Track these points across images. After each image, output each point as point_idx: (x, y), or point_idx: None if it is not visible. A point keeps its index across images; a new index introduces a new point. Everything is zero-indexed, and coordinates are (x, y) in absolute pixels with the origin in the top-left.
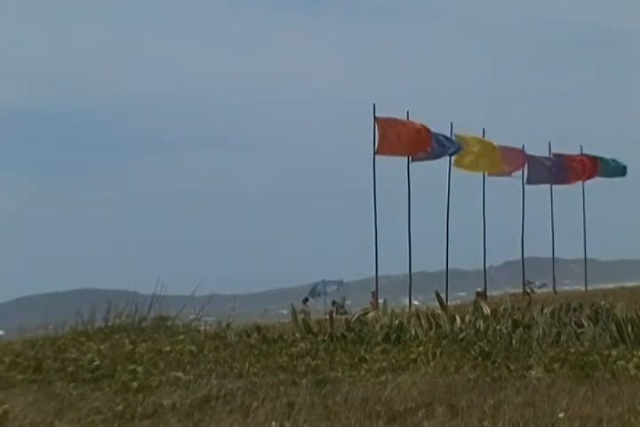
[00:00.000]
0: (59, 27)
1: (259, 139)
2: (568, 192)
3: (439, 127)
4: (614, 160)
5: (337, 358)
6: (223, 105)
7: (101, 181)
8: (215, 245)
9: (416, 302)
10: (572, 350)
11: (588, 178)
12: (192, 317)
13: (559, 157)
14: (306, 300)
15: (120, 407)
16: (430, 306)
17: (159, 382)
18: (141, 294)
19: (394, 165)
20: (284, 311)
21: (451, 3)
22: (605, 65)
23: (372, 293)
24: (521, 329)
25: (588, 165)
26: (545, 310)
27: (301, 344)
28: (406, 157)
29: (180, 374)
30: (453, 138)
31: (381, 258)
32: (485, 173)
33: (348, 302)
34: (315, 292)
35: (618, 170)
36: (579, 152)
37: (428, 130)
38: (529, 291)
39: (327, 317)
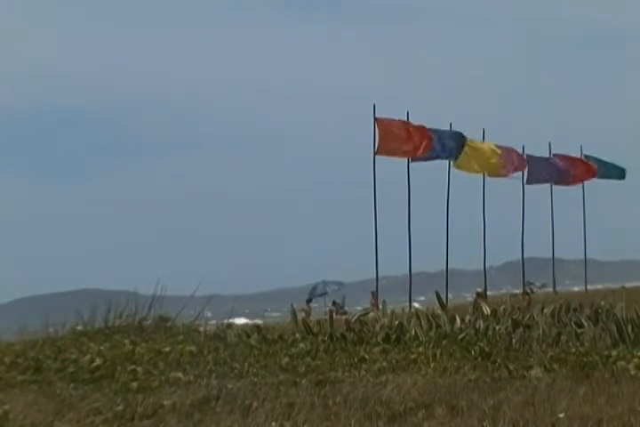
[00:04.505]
0: (58, 27)
1: (259, 138)
2: (568, 192)
3: (439, 128)
4: (614, 165)
5: (337, 359)
6: (222, 104)
7: (101, 181)
8: (215, 244)
9: (416, 305)
10: (572, 351)
11: (587, 179)
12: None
13: (559, 158)
14: (309, 300)
15: (120, 408)
16: (430, 306)
17: (159, 383)
18: (141, 294)
19: (394, 165)
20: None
21: (450, 2)
22: (605, 65)
23: (372, 293)
24: (521, 329)
25: (587, 168)
26: (545, 311)
27: (301, 345)
28: (406, 158)
29: (180, 374)
30: (456, 136)
31: (381, 258)
32: (485, 174)
33: (348, 306)
34: (315, 292)
35: (617, 173)
36: (579, 152)
37: (427, 131)
38: (529, 291)
39: (327, 317)
